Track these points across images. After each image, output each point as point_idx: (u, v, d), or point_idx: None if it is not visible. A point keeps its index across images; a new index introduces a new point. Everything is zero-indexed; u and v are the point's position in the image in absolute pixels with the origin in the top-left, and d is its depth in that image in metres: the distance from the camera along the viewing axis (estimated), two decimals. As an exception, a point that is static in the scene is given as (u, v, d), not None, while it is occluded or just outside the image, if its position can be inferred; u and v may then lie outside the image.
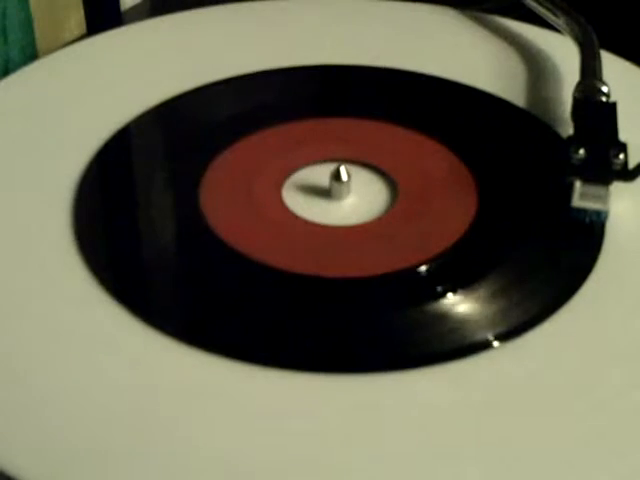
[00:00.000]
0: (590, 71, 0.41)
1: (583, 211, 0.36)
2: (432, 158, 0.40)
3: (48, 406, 0.31)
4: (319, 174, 0.39)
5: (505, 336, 0.33)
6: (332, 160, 0.40)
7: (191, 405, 0.31)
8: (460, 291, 0.34)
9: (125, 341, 0.33)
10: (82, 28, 0.51)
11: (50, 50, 0.48)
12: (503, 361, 0.32)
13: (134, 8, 0.53)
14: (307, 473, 0.29)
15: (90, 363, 0.32)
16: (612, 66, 0.43)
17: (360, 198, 0.39)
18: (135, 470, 0.29)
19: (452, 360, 0.32)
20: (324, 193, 0.39)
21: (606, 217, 0.36)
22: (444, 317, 0.33)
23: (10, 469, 0.29)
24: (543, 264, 0.36)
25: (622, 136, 0.38)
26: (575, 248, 0.36)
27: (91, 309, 0.34)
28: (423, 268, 0.35)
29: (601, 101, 0.40)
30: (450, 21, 0.49)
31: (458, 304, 0.34)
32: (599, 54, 0.42)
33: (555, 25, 0.46)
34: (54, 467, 0.29)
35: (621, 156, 0.37)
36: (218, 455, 0.29)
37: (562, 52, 0.45)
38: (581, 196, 0.36)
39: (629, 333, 0.33)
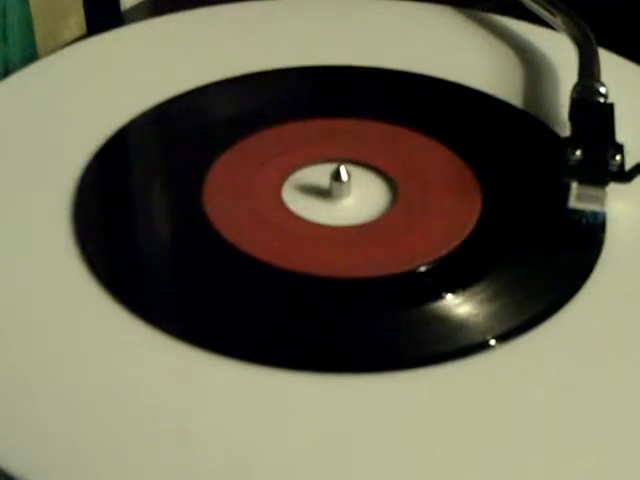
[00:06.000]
0: (588, 72, 0.41)
1: (580, 212, 0.36)
2: (432, 158, 0.40)
3: (48, 406, 0.31)
4: (319, 174, 0.39)
5: (505, 337, 0.33)
6: (332, 160, 0.40)
7: (191, 404, 0.31)
8: (460, 292, 0.34)
9: (125, 340, 0.33)
10: (82, 28, 0.51)
11: (50, 50, 0.48)
12: (503, 362, 0.32)
13: (134, 8, 0.53)
14: (307, 473, 0.29)
15: (90, 362, 0.32)
16: (611, 65, 0.43)
17: (360, 198, 0.39)
18: (135, 470, 0.29)
19: (452, 360, 0.32)
20: (324, 193, 0.39)
21: (603, 218, 0.36)
22: (444, 318, 0.33)
23: (10, 469, 0.29)
24: (543, 265, 0.36)
25: (621, 136, 0.38)
26: (575, 249, 0.36)
27: (91, 308, 0.34)
28: (423, 268, 0.35)
29: (599, 102, 0.40)
30: (449, 20, 0.49)
31: (458, 305, 0.34)
32: (597, 54, 0.42)
33: (553, 25, 0.46)
34: (54, 467, 0.29)
35: (618, 157, 0.37)
36: (218, 454, 0.29)
37: (560, 52, 0.45)
38: (578, 197, 0.36)
39: (629, 333, 0.33)
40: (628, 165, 0.37)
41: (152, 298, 0.35)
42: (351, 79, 0.45)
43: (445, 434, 0.30)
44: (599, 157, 0.37)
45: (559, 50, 0.45)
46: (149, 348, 0.32)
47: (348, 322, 0.34)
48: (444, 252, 0.36)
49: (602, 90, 0.40)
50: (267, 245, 0.36)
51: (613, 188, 0.37)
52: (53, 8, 0.49)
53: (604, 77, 0.41)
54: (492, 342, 0.33)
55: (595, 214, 0.36)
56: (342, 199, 0.38)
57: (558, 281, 0.35)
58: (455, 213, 0.38)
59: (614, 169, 0.37)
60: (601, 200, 0.36)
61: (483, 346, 0.32)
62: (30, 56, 0.48)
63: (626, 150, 0.37)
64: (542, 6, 0.47)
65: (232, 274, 0.36)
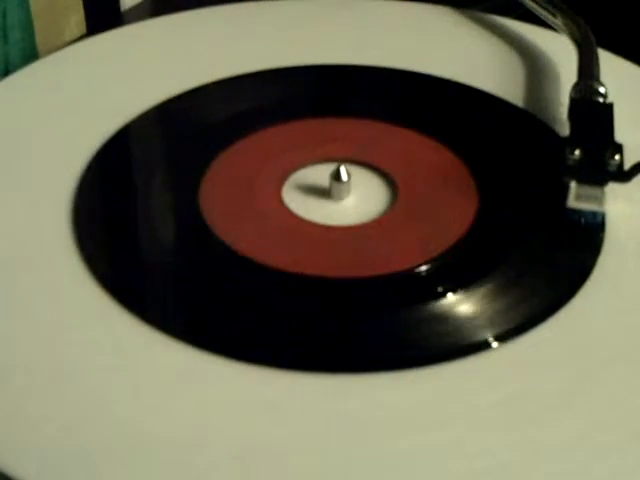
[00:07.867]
0: (588, 72, 0.41)
1: (579, 212, 0.36)
2: (432, 158, 0.40)
3: (48, 406, 0.31)
4: (319, 174, 0.39)
5: (505, 336, 0.33)
6: (332, 160, 0.40)
7: (191, 404, 0.31)
8: (460, 291, 0.34)
9: (125, 341, 0.33)
10: (82, 28, 0.51)
11: (50, 50, 0.48)
12: (503, 361, 0.32)
13: (134, 8, 0.53)
14: (306, 472, 0.29)
15: (90, 363, 0.32)
16: (611, 65, 0.43)
17: (360, 198, 0.39)
18: (134, 470, 0.29)
19: (452, 360, 0.32)
20: (324, 193, 0.39)
21: (602, 218, 0.37)
22: (444, 317, 0.33)
23: (10, 469, 0.29)
24: (543, 264, 0.36)
25: (620, 136, 0.38)
26: (575, 248, 0.36)
27: (91, 309, 0.34)
28: (423, 268, 0.35)
29: (598, 102, 0.40)
30: (449, 21, 0.49)
31: (458, 304, 0.34)
32: (597, 55, 0.42)
33: (553, 25, 0.46)
34: (54, 467, 0.29)
35: (617, 157, 0.37)
36: (217, 455, 0.29)
37: (560, 52, 0.45)
38: (576, 197, 0.36)
39: (629, 333, 0.33)
40: (627, 165, 0.37)
41: (151, 298, 0.35)
42: (351, 79, 0.45)
43: (445, 434, 0.30)
44: (598, 157, 0.37)
45: (559, 50, 0.45)
46: (149, 349, 0.32)
47: (348, 322, 0.34)
48: (444, 252, 0.36)
49: (601, 90, 0.40)
50: (267, 245, 0.36)
51: (612, 188, 0.37)
52: (53, 8, 0.49)
53: (604, 77, 0.41)
54: (492, 342, 0.33)
55: (594, 214, 0.36)
56: (342, 199, 0.38)
57: (557, 281, 0.35)
58: (455, 212, 0.38)
59: (613, 169, 0.37)
60: (600, 200, 0.36)
61: (483, 346, 0.33)
62: (30, 56, 0.48)
63: (625, 150, 0.37)
64: (542, 6, 0.47)
65: (232, 274, 0.36)
